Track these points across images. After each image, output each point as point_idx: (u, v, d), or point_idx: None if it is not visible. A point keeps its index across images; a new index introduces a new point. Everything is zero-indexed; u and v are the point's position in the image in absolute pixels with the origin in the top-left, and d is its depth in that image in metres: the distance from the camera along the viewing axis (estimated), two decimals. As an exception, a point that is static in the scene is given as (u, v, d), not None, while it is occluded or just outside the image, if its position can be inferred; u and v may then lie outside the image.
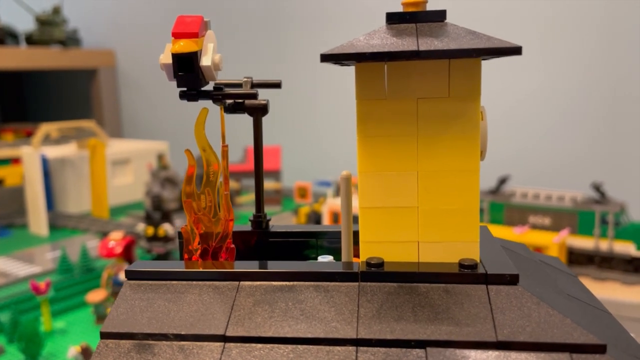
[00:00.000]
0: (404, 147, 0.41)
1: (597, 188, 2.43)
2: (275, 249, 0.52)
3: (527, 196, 2.59)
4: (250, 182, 3.64)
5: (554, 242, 2.24)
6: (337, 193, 2.91)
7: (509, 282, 0.38)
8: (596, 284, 2.33)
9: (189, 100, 0.48)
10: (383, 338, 0.36)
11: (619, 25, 2.82)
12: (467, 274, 0.39)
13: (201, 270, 0.42)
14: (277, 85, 0.53)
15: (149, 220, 2.07)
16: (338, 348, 0.36)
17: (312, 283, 0.40)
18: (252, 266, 0.42)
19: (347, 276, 0.40)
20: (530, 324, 0.36)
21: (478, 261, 0.40)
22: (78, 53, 4.00)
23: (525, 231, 2.40)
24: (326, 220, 2.89)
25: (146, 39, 4.00)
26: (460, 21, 0.42)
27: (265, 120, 0.53)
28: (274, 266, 0.42)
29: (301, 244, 0.52)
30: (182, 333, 0.38)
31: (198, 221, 0.46)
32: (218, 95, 0.49)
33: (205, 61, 0.46)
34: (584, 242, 2.42)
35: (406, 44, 0.38)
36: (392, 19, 0.41)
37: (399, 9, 0.40)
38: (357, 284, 0.40)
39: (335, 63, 0.39)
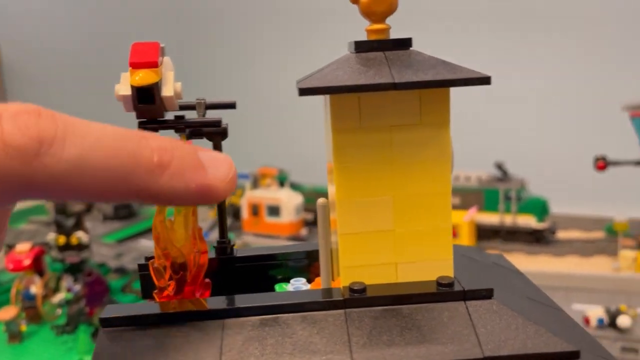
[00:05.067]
0: (379, 174, 0.42)
1: (499, 167, 2.60)
2: (241, 274, 0.51)
3: (436, 178, 2.72)
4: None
5: (465, 220, 2.38)
6: (254, 185, 2.90)
7: (484, 296, 0.41)
8: (502, 256, 2.51)
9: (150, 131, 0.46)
10: None
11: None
12: (446, 292, 0.41)
13: (183, 311, 0.40)
14: (231, 105, 0.52)
15: (59, 228, 1.95)
16: None
17: (298, 314, 0.40)
18: (233, 301, 0.41)
19: (332, 304, 0.40)
20: (511, 337, 0.39)
21: (453, 277, 0.43)
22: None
23: (437, 211, 2.53)
24: (245, 214, 2.88)
25: (33, 28, 3.72)
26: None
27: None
28: (257, 299, 0.41)
29: (267, 267, 0.52)
30: None
31: (168, 255, 0.44)
32: (181, 125, 0.47)
33: (167, 91, 0.44)
34: (491, 218, 2.59)
35: (381, 75, 0.39)
36: (361, 47, 0.42)
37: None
38: (343, 311, 0.40)
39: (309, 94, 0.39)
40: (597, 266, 2.29)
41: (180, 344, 0.38)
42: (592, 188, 2.66)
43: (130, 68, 0.43)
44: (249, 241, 2.59)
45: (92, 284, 1.95)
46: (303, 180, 3.08)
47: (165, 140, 0.34)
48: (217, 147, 0.51)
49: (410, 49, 0.42)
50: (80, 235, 1.93)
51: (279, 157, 3.23)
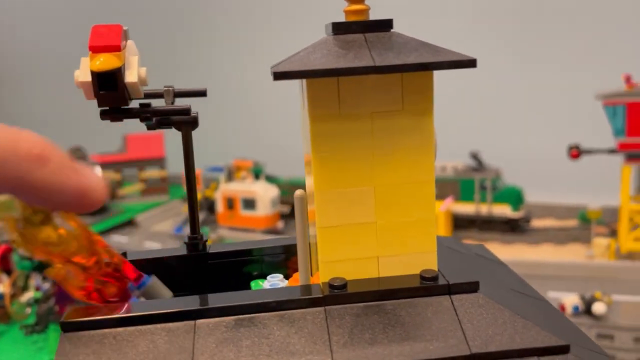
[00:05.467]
0: (359, 163, 0.40)
1: (475, 157, 2.61)
2: (215, 271, 0.48)
3: (413, 168, 2.71)
4: (131, 172, 3.45)
5: (441, 210, 2.38)
6: (229, 178, 2.86)
7: (470, 290, 0.39)
8: (478, 245, 2.52)
9: (112, 120, 0.43)
10: None
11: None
12: (431, 286, 0.39)
13: (150, 313, 0.37)
14: (201, 93, 0.49)
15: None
16: None
17: (275, 313, 0.38)
18: (206, 301, 0.39)
19: (311, 302, 0.38)
20: (498, 332, 0.37)
21: (437, 271, 0.41)
22: None
23: (413, 202, 2.53)
24: (220, 207, 2.83)
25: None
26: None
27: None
28: (230, 298, 0.38)
29: (242, 263, 0.49)
30: None
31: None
32: (146, 113, 0.44)
33: (131, 77, 0.41)
34: (466, 208, 2.60)
35: (361, 58, 0.37)
36: (339, 29, 0.39)
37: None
38: (322, 308, 0.38)
39: (285, 79, 0.36)
40: (572, 254, 2.32)
41: (149, 348, 0.36)
42: (566, 177, 2.69)
43: (90, 52, 0.40)
44: (224, 235, 2.56)
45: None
46: (279, 172, 3.05)
47: (45, 139, 0.36)
48: (187, 137, 0.48)
49: (391, 30, 0.40)
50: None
51: (254, 149, 3.18)
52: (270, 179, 2.94)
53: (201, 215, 2.97)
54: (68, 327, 0.37)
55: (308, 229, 0.41)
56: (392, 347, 0.36)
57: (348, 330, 0.37)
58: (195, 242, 0.48)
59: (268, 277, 0.46)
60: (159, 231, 2.97)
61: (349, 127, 0.39)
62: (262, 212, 2.69)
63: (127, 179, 3.61)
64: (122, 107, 0.42)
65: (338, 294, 0.39)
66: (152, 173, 3.46)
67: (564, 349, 0.37)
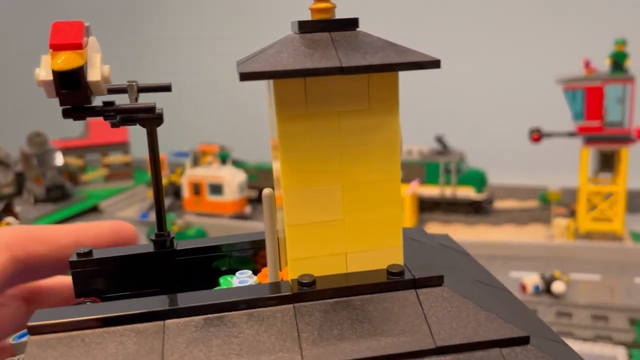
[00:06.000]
0: (327, 161, 0.40)
1: (439, 140, 2.65)
2: (183, 268, 0.48)
3: (379, 152, 2.74)
4: (94, 157, 3.38)
5: (407, 193, 2.42)
6: (194, 163, 2.83)
7: (435, 284, 0.40)
8: (443, 227, 2.57)
9: (75, 119, 0.42)
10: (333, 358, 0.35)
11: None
12: (397, 281, 0.40)
13: (119, 315, 0.37)
14: (166, 88, 0.48)
15: (-14, 214, 1.84)
16: None
17: (244, 312, 0.38)
18: (175, 301, 0.39)
19: (280, 300, 0.38)
20: (462, 325, 0.38)
21: (403, 265, 0.41)
22: None
23: (380, 185, 2.55)
24: (186, 192, 2.80)
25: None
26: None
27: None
28: (200, 298, 0.38)
29: (210, 259, 0.49)
30: None
31: None
32: (110, 112, 0.43)
33: (94, 75, 0.39)
34: (432, 190, 2.64)
35: (328, 59, 0.37)
36: (305, 27, 0.39)
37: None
38: (291, 306, 0.39)
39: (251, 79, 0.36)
40: (532, 234, 2.39)
41: (118, 350, 0.36)
42: (527, 159, 2.76)
43: (51, 50, 0.39)
44: (191, 221, 2.54)
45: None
46: (246, 157, 3.03)
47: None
48: (152, 134, 0.47)
49: (357, 29, 0.40)
50: (10, 221, 1.82)
51: (220, 134, 3.16)
52: (237, 164, 2.92)
53: (167, 201, 2.94)
54: (35, 331, 0.36)
55: (275, 227, 0.41)
56: (360, 343, 0.37)
57: (317, 327, 0.38)
58: (162, 239, 0.46)
59: (237, 274, 0.46)
60: (124, 217, 2.93)
61: (316, 126, 0.39)
62: (230, 197, 2.68)
63: (90, 165, 3.53)
64: (85, 105, 0.41)
65: (307, 291, 0.39)
66: (116, 158, 3.40)
67: (524, 340, 0.38)
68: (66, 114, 0.41)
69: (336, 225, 0.41)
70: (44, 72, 0.39)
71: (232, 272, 0.48)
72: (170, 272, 0.47)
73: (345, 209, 0.41)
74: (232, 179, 2.68)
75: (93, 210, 3.03)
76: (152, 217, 2.80)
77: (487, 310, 0.40)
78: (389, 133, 0.40)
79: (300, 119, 0.39)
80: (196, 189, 2.73)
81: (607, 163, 2.21)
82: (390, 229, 0.42)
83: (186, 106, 3.31)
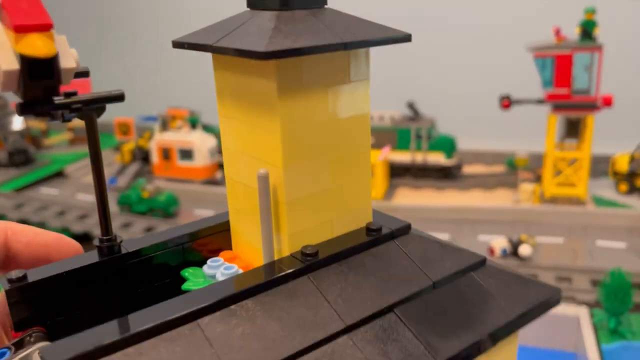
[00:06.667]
0: (319, 135, 0.41)
1: (411, 106, 2.66)
2: (138, 272, 0.42)
3: (350, 117, 2.73)
4: (57, 121, 3.28)
5: (379, 160, 2.44)
6: (163, 127, 2.77)
7: (406, 232, 0.43)
8: (413, 192, 2.61)
9: (37, 115, 0.35)
10: (363, 316, 0.36)
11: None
12: (380, 236, 0.42)
13: (147, 328, 0.32)
14: (119, 97, 0.41)
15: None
16: (338, 342, 0.35)
17: (269, 293, 0.37)
18: (201, 297, 0.35)
19: (295, 274, 0.39)
20: (439, 259, 0.42)
21: (377, 222, 0.44)
22: None
23: (351, 151, 2.56)
24: (155, 157, 2.75)
25: None
26: None
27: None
28: (218, 291, 0.36)
29: (163, 256, 0.43)
30: None
31: None
32: (77, 103, 0.36)
33: (68, 62, 0.34)
34: (403, 156, 2.67)
35: (324, 35, 0.37)
36: (284, 4, 0.39)
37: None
38: (306, 277, 0.39)
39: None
40: (500, 199, 2.45)
41: (169, 356, 0.31)
42: (496, 125, 2.80)
43: (14, 33, 0.32)
44: (161, 186, 2.51)
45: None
46: (216, 121, 2.99)
47: None
48: (93, 127, 0.38)
49: (326, 6, 0.41)
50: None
51: (190, 98, 3.09)
52: (208, 129, 2.88)
53: (135, 166, 2.88)
54: None
55: (270, 207, 0.41)
56: (376, 294, 0.39)
57: (337, 289, 0.39)
58: (110, 244, 0.40)
59: (208, 262, 0.42)
60: (91, 182, 2.87)
61: (311, 102, 0.40)
62: (200, 163, 2.65)
63: (53, 128, 3.43)
64: (54, 97, 0.34)
65: (314, 261, 0.40)
66: (80, 122, 3.30)
67: (483, 262, 0.43)
68: (26, 109, 0.34)
69: (326, 195, 0.42)
70: (6, 60, 0.32)
71: (192, 264, 0.44)
72: (121, 281, 0.41)
73: (332, 178, 0.42)
74: (203, 144, 2.64)
75: (58, 175, 2.96)
76: (121, 182, 2.75)
77: (448, 244, 0.44)
78: (363, 104, 0.42)
79: (297, 96, 0.39)
80: (165, 153, 2.68)
81: (573, 130, 2.26)
82: (364, 190, 0.44)
83: (154, 69, 3.23)
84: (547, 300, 0.41)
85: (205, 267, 0.42)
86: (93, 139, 0.39)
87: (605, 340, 1.46)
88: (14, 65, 0.32)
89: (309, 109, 0.40)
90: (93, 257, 0.40)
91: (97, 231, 2.24)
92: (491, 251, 1.94)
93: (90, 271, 0.39)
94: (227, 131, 0.43)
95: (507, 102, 2.26)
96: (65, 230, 2.28)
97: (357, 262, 0.41)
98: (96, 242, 0.40)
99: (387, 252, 0.42)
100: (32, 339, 0.35)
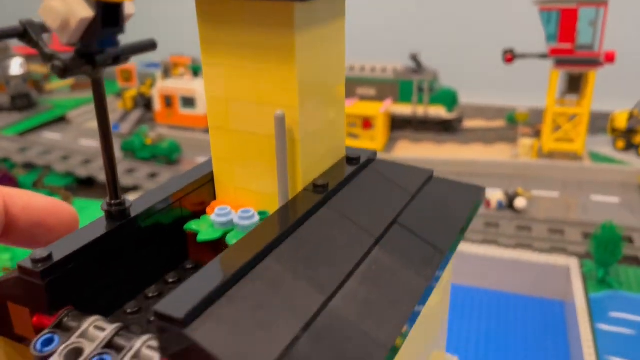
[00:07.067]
0: (324, 74, 0.44)
1: (414, 58, 2.65)
2: (145, 234, 0.41)
3: (354, 69, 2.73)
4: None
5: (381, 112, 2.45)
6: (166, 75, 2.76)
7: (374, 159, 0.50)
8: (414, 145, 2.64)
9: (90, 73, 0.33)
10: (382, 230, 0.41)
11: None
12: (362, 163, 0.48)
13: (236, 270, 0.32)
14: (152, 45, 0.39)
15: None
16: (374, 253, 0.39)
17: (306, 224, 0.40)
18: (260, 238, 0.35)
19: (318, 205, 0.42)
20: (409, 175, 0.49)
21: (349, 152, 0.49)
22: None
23: (354, 103, 2.58)
24: (158, 104, 2.76)
25: None
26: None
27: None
28: (275, 227, 0.37)
29: (171, 211, 0.43)
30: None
31: None
32: (127, 55, 0.35)
33: (130, 8, 0.33)
34: (404, 109, 2.68)
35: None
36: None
37: None
38: (326, 207, 0.43)
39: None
40: (499, 153, 2.48)
41: (263, 291, 0.32)
42: (498, 80, 2.80)
43: None
44: (163, 133, 2.53)
45: (0, 181, 1.85)
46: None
47: None
48: (101, 84, 0.36)
49: None
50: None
51: (192, 45, 3.06)
52: (209, 77, 2.87)
53: (137, 113, 2.88)
54: (188, 319, 0.28)
55: (286, 149, 0.43)
56: (383, 208, 0.45)
57: (352, 211, 0.43)
58: (121, 208, 0.38)
59: (216, 211, 0.43)
60: (93, 128, 2.89)
61: (315, 43, 0.43)
62: (202, 111, 2.66)
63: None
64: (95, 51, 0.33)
65: (328, 191, 0.44)
66: (81, 67, 3.29)
67: (431, 175, 0.50)
68: (77, 69, 0.32)
69: (323, 131, 0.46)
70: (82, 8, 0.30)
71: (185, 219, 0.44)
72: (136, 242, 0.40)
73: (326, 115, 0.46)
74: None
75: (60, 121, 2.97)
76: (124, 128, 2.77)
77: (401, 165, 0.51)
78: (342, 42, 0.45)
79: (307, 37, 0.42)
80: (168, 101, 2.69)
81: (574, 85, 2.27)
82: (341, 125, 0.48)
83: (157, 15, 3.19)
84: (479, 196, 0.50)
85: (213, 216, 0.42)
86: (100, 99, 0.37)
87: (594, 289, 1.53)
88: (90, 12, 0.31)
89: (314, 49, 0.42)
90: (107, 223, 0.38)
91: (101, 176, 2.28)
92: (487, 203, 1.98)
93: (109, 239, 0.37)
94: (215, 80, 0.43)
95: (510, 56, 2.26)
96: (70, 174, 2.32)
97: (355, 187, 0.46)
98: (104, 207, 0.38)
99: (370, 176, 0.48)
100: (69, 319, 0.34)
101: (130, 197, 0.42)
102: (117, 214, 0.39)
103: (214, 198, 0.47)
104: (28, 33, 0.34)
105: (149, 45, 0.38)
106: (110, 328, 0.32)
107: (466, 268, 1.64)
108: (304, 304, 0.33)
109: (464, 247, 1.66)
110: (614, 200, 2.02)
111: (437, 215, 0.47)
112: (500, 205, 1.98)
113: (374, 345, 0.32)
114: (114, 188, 0.39)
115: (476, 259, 1.64)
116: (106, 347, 0.31)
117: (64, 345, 0.32)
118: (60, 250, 0.35)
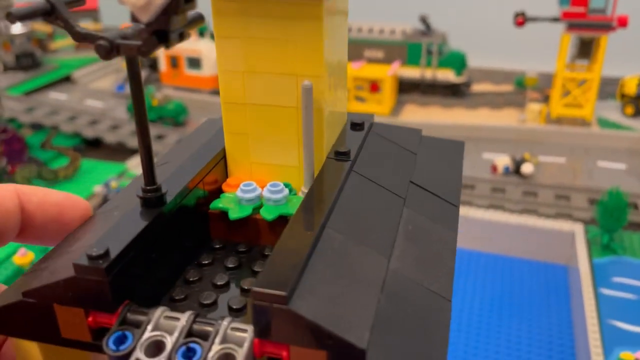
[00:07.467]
0: (337, 48, 0.46)
1: (424, 20, 2.61)
2: (181, 218, 0.40)
3: (362, 30, 2.69)
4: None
5: (389, 74, 2.43)
6: (172, 35, 2.72)
7: (372, 122, 0.52)
8: (421, 109, 2.62)
9: (167, 47, 0.33)
10: (405, 191, 0.44)
11: None
12: (365, 130, 0.49)
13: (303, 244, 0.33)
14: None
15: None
16: (405, 212, 0.42)
17: (344, 191, 0.41)
18: (315, 210, 0.37)
19: (348, 173, 0.43)
20: (405, 137, 0.52)
21: (353, 118, 0.50)
22: None
23: (362, 65, 2.55)
24: (163, 66, 2.74)
25: None
26: None
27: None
28: (323, 198, 0.37)
29: (197, 192, 0.42)
30: None
31: None
32: (188, 27, 0.34)
33: None
34: (412, 72, 2.65)
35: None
36: None
37: None
38: (354, 172, 0.44)
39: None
40: (506, 118, 2.47)
41: (336, 253, 0.34)
42: (508, 43, 2.76)
43: None
44: (169, 94, 2.52)
45: (9, 142, 1.86)
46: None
47: None
48: (134, 63, 0.36)
49: None
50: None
51: (199, 6, 3.01)
52: (215, 37, 2.84)
53: (143, 73, 2.86)
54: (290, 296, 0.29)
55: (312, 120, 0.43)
56: (399, 170, 0.47)
57: (376, 173, 0.46)
58: (158, 194, 0.38)
59: (241, 187, 0.42)
60: (99, 89, 2.88)
61: (335, 15, 0.43)
62: (208, 72, 2.64)
63: (58, 32, 3.38)
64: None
65: (353, 158, 0.45)
66: (85, 26, 3.24)
67: (420, 133, 0.54)
68: (150, 45, 0.31)
69: (337, 100, 0.48)
70: None
71: (212, 196, 0.43)
72: (172, 227, 0.39)
73: (338, 85, 0.48)
74: (210, 53, 2.62)
75: (66, 80, 2.96)
76: (130, 89, 2.75)
77: (396, 126, 0.54)
78: (345, 12, 0.46)
79: (331, 9, 0.42)
80: (174, 62, 2.67)
81: (585, 50, 2.24)
82: (345, 92, 0.51)
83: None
84: (462, 151, 0.53)
85: (239, 193, 0.42)
86: (136, 79, 0.36)
87: (597, 254, 1.54)
88: None
89: (333, 21, 0.43)
90: (146, 212, 0.37)
91: (108, 137, 2.29)
92: (494, 168, 1.99)
93: (152, 227, 0.36)
94: (230, 53, 0.42)
95: (521, 19, 2.23)
96: (77, 135, 2.32)
97: (368, 151, 0.47)
98: (139, 193, 0.37)
99: (376, 140, 0.50)
100: (132, 314, 0.33)
101: (138, 160, 0.42)
102: (154, 201, 0.37)
103: (226, 175, 0.46)
104: (57, 10, 0.33)
105: (199, 18, 0.36)
106: (184, 317, 0.32)
107: (472, 232, 1.65)
108: (373, 268, 0.34)
109: (470, 212, 1.67)
110: (620, 167, 2.02)
111: (439, 170, 0.50)
112: (506, 171, 1.98)
113: (437, 298, 0.35)
114: (150, 173, 0.37)
115: (482, 223, 1.66)
116: (187, 337, 0.31)
117: (142, 340, 0.31)
118: (113, 245, 0.34)
